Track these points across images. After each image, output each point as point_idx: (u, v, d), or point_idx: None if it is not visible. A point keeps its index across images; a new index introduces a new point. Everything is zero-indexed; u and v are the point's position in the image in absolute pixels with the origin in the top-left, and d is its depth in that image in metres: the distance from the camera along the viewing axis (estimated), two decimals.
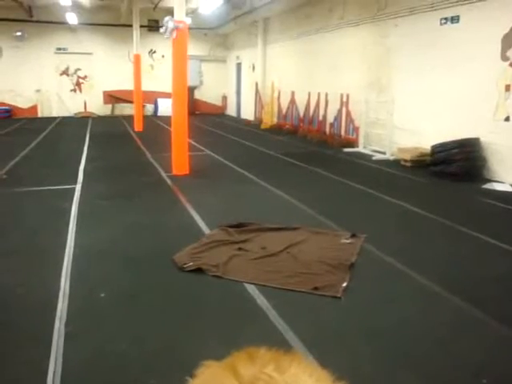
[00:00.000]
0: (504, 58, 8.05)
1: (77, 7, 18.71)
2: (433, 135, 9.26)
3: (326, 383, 0.88)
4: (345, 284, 3.85)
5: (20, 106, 21.17)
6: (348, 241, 4.90)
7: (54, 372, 2.71)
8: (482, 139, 8.41)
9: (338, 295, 3.67)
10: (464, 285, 3.96)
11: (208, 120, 19.75)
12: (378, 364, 2.87)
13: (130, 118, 18.13)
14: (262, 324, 3.29)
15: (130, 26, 16.57)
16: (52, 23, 20.20)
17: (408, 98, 10.53)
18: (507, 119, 8.05)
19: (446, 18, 9.31)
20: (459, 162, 8.30)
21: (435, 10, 9.54)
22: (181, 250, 4.55)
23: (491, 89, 8.27)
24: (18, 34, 20.28)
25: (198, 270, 4.11)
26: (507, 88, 8.03)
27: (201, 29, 21.43)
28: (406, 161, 9.69)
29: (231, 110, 23.71)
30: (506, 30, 7.95)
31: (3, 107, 20.62)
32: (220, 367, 0.90)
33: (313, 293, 3.72)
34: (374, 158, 10.53)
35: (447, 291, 3.79)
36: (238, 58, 22.56)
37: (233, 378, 0.84)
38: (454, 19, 9.11)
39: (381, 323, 3.34)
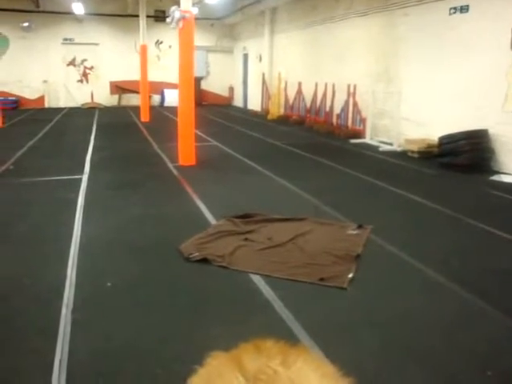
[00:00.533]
0: None
1: None
2: (440, 126, 9.19)
3: (331, 379, 0.87)
4: (351, 275, 3.84)
5: (27, 96, 21.21)
6: (354, 232, 4.89)
7: (61, 360, 2.72)
8: (490, 131, 8.34)
9: (344, 286, 3.67)
10: (470, 276, 3.95)
11: (215, 111, 19.72)
12: (383, 355, 2.86)
13: (136, 109, 18.13)
14: (267, 314, 3.29)
15: (137, 16, 16.52)
16: (59, 13, 20.18)
17: (416, 89, 10.45)
18: None
19: (455, 8, 9.20)
20: (467, 154, 8.24)
21: None
22: (187, 240, 4.55)
23: (500, 80, 8.18)
24: (25, 24, 20.28)
25: (204, 261, 4.12)
26: None
27: (207, 19, 21.34)
28: (413, 152, 9.64)
29: (238, 101, 23.65)
30: None
31: (10, 98, 20.65)
32: (226, 359, 0.89)
33: (319, 284, 3.72)
34: (380, 149, 10.47)
35: (453, 282, 3.78)
36: (244, 48, 22.45)
37: (237, 370, 0.83)
38: (464, 9, 9.00)
39: (386, 314, 3.33)
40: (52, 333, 2.99)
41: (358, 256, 4.25)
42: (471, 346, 2.96)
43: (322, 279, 3.76)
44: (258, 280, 3.80)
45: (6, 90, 20.59)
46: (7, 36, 20.51)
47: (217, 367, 0.89)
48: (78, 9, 18.88)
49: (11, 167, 8.23)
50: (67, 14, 20.12)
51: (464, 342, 3.00)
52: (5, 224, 5.24)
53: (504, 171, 8.11)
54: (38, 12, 19.92)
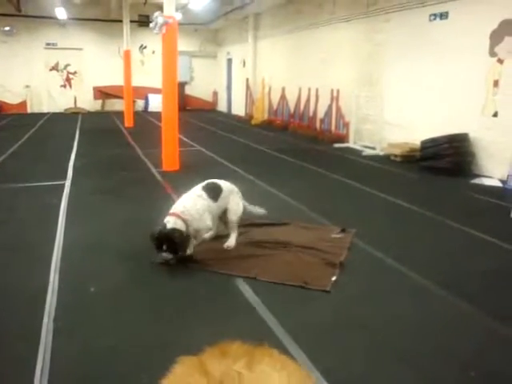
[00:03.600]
0: (492, 53, 8.11)
1: (66, 2, 18.51)
2: (423, 130, 9.31)
3: (296, 378, 0.88)
4: (334, 278, 3.87)
5: (9, 101, 20.98)
6: (338, 236, 4.92)
7: (42, 368, 2.70)
8: (471, 134, 8.48)
9: (327, 289, 3.70)
10: (454, 279, 4.00)
11: (199, 116, 19.70)
12: (368, 358, 2.89)
13: (120, 114, 18.03)
14: (251, 318, 3.30)
15: (120, 21, 16.46)
16: (41, 18, 19.99)
17: (398, 94, 10.58)
18: (495, 115, 8.11)
19: (435, 14, 9.36)
20: (448, 158, 8.37)
21: (424, 6, 9.59)
22: None
23: (480, 84, 8.33)
24: (7, 29, 20.09)
25: (191, 265, 4.12)
26: (495, 84, 8.09)
27: (191, 24, 21.34)
28: (395, 156, 9.74)
29: (222, 106, 23.66)
30: (494, 26, 8.00)
31: None
32: (189, 365, 0.89)
33: (302, 287, 3.74)
34: (363, 154, 10.56)
35: (437, 285, 3.83)
36: (228, 53, 22.50)
37: (201, 376, 0.84)
38: (443, 15, 9.16)
39: (370, 318, 3.36)
40: (34, 339, 2.97)
41: (341, 260, 4.28)
42: (455, 348, 2.99)
43: (305, 282, 3.78)
44: (241, 284, 3.81)
45: None
46: None
47: (180, 375, 0.89)
48: (61, 13, 18.76)
49: None
50: (50, 19, 19.97)
51: (448, 344, 3.03)
52: None
53: (485, 174, 8.24)
54: (20, 16, 19.72)
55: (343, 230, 5.05)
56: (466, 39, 8.58)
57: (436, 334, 3.17)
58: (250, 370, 0.84)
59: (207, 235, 4.53)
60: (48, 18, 19.96)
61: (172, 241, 3.98)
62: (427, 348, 2.98)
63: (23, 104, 21.27)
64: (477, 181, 7.91)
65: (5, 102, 20.91)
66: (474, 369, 2.76)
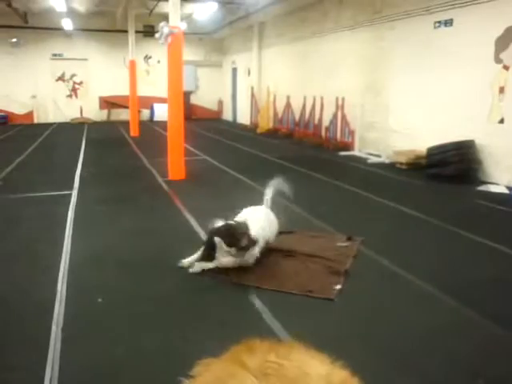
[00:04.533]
0: (497, 60, 8.11)
1: (72, 13, 18.75)
2: (428, 138, 9.30)
3: (329, 364, 0.90)
4: (339, 286, 3.86)
5: (16, 112, 21.15)
6: (344, 244, 4.91)
7: (51, 377, 2.70)
8: (477, 141, 8.46)
9: (332, 297, 3.69)
10: (460, 286, 3.97)
11: (204, 125, 19.77)
12: (372, 366, 2.87)
13: (126, 124, 18.12)
14: (257, 326, 3.29)
15: (126, 31, 16.61)
16: (47, 29, 20.22)
17: (403, 101, 10.59)
18: (501, 121, 8.10)
19: (439, 22, 9.38)
20: (454, 165, 8.34)
21: (429, 13, 9.60)
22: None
23: (485, 91, 8.32)
24: (14, 40, 20.30)
25: (199, 273, 4.14)
26: (501, 90, 8.08)
27: (196, 34, 21.49)
28: (401, 164, 9.73)
29: (227, 115, 23.74)
30: (500, 33, 8.00)
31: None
32: (224, 362, 0.91)
33: (307, 295, 3.73)
34: (369, 162, 10.55)
35: (443, 293, 3.81)
36: (233, 62, 22.60)
37: (242, 369, 0.85)
38: (448, 23, 9.17)
39: (376, 326, 3.35)
40: (43, 350, 2.97)
41: (347, 268, 4.27)
42: (462, 356, 2.97)
43: (310, 291, 3.78)
44: (247, 291, 3.81)
45: None
46: None
47: (219, 371, 0.90)
48: (67, 24, 18.97)
49: (0, 183, 8.19)
50: (56, 30, 20.20)
51: (455, 352, 3.01)
52: None
53: (491, 181, 8.21)
54: (27, 28, 19.93)
55: (349, 239, 5.04)
56: (471, 46, 8.58)
57: (443, 341, 3.14)
58: (287, 359, 0.86)
59: (250, 260, 4.29)
60: (54, 30, 20.18)
61: (231, 233, 4.03)
62: (433, 356, 2.95)
63: (30, 114, 21.43)
64: (483, 188, 7.88)
65: (12, 113, 21.08)
66: (483, 376, 2.73)
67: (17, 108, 21.14)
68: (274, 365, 0.85)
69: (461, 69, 8.86)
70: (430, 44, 9.66)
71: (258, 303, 3.62)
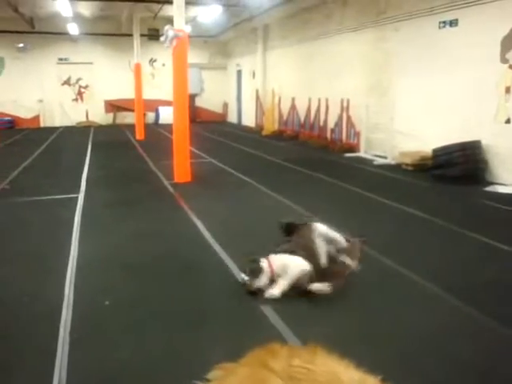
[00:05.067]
0: (503, 60, 8.08)
1: (78, 18, 18.85)
2: (434, 139, 9.26)
3: (353, 368, 0.90)
4: (340, 285, 3.85)
5: (22, 116, 21.30)
6: (348, 244, 4.89)
7: (59, 381, 2.71)
8: (484, 142, 8.42)
9: (329, 291, 3.71)
10: (466, 288, 3.95)
11: (209, 127, 19.80)
12: (376, 367, 2.85)
13: (131, 127, 18.19)
14: (263, 329, 3.28)
15: (131, 35, 16.68)
16: (53, 34, 20.32)
17: (409, 102, 10.56)
18: (508, 121, 8.06)
19: (444, 22, 9.35)
20: (461, 165, 8.31)
21: (434, 13, 9.58)
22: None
23: (491, 91, 8.28)
24: (21, 45, 20.46)
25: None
26: (507, 90, 8.05)
27: (201, 37, 21.53)
28: (407, 165, 9.70)
29: (232, 117, 23.77)
30: (505, 32, 7.97)
31: (6, 118, 20.74)
32: (249, 366, 0.90)
33: (308, 295, 3.72)
34: (375, 163, 10.53)
35: (449, 294, 3.79)
36: (238, 65, 22.64)
37: (270, 373, 0.84)
38: (453, 23, 9.14)
39: (379, 326, 3.33)
40: (51, 352, 2.98)
41: (350, 268, 4.25)
42: (466, 356, 2.96)
43: (310, 291, 3.76)
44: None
45: (1, 110, 20.74)
46: (3, 57, 20.69)
47: (247, 374, 0.89)
48: (73, 29, 19.08)
49: (7, 187, 8.23)
50: (62, 35, 20.32)
51: (458, 352, 3.00)
52: (2, 244, 5.23)
53: (498, 182, 8.17)
54: (34, 33, 20.05)
55: (354, 238, 5.02)
56: (477, 46, 8.54)
57: (446, 341, 3.12)
58: (312, 363, 0.86)
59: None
60: (60, 34, 20.31)
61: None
62: (441, 359, 2.93)
63: (36, 118, 21.57)
64: (490, 188, 7.85)
65: (19, 117, 21.23)
66: (492, 378, 2.72)
67: (23, 112, 21.27)
68: (301, 369, 0.84)
69: (466, 69, 8.82)
70: (435, 44, 9.63)
71: (262, 304, 3.62)
